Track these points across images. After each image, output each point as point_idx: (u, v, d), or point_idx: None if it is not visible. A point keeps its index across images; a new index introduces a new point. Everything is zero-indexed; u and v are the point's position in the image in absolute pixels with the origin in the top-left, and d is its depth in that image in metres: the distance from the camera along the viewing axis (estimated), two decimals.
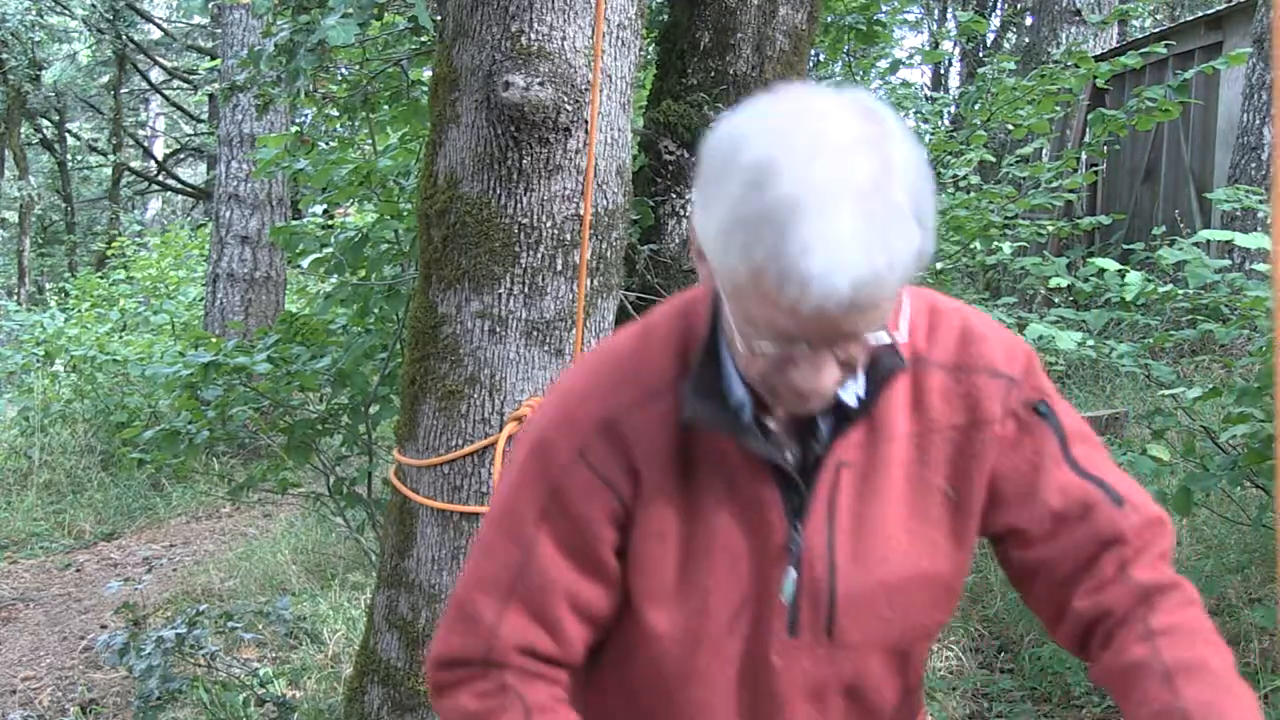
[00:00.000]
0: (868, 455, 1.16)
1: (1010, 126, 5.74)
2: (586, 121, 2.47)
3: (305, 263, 4.54)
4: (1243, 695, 1.07)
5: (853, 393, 1.13)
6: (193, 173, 22.43)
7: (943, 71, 16.83)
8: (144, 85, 20.71)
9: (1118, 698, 1.13)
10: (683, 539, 1.16)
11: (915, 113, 7.82)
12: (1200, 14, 9.81)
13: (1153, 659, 1.09)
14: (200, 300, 10.95)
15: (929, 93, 14.04)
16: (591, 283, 2.54)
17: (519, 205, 2.47)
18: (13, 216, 19.35)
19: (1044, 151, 7.87)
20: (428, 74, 4.02)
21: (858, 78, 5.60)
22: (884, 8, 5.28)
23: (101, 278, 13.84)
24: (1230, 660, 1.11)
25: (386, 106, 4.24)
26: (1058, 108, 5.51)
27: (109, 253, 15.20)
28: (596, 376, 1.20)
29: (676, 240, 3.16)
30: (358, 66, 4.29)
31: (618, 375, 1.18)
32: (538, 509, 1.17)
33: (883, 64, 6.75)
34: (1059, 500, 1.17)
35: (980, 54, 13.17)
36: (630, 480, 1.15)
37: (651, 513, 1.15)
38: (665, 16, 3.53)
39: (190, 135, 21.65)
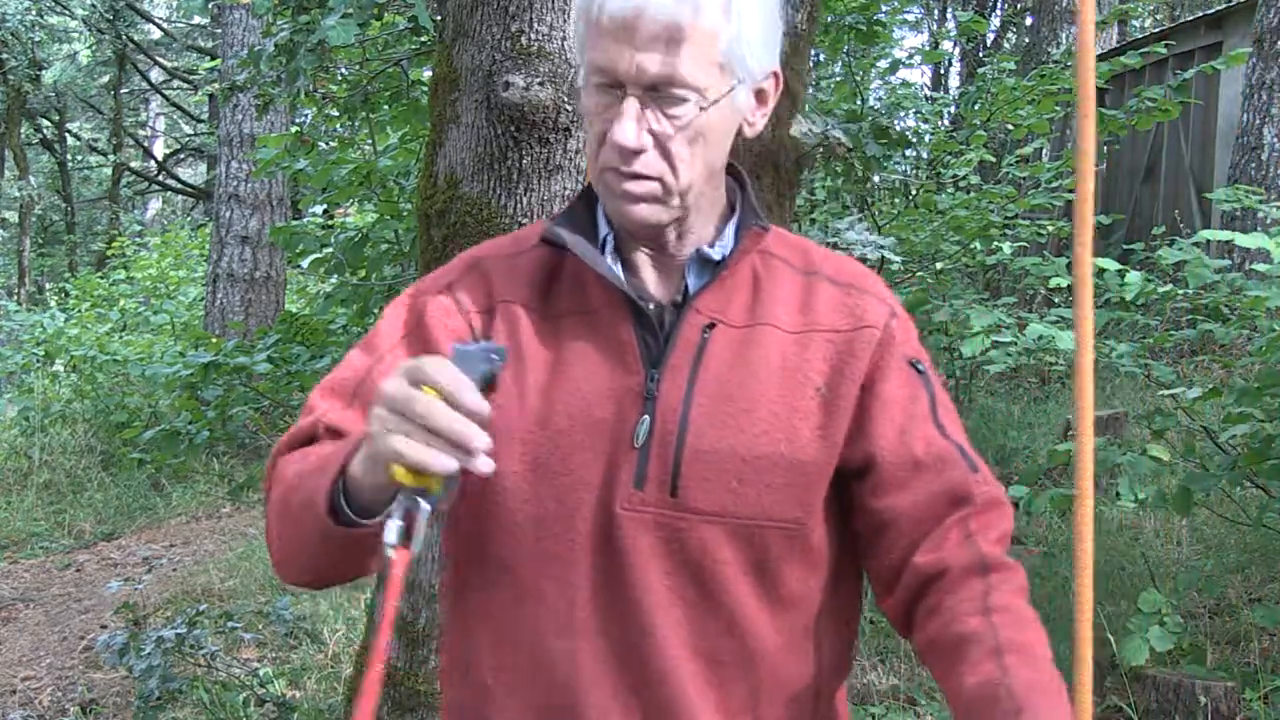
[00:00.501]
0: (746, 336, 1.21)
1: (1010, 126, 5.74)
2: None
3: (305, 263, 4.54)
4: (1062, 686, 1.09)
5: (719, 251, 1.23)
6: (193, 173, 22.43)
7: (943, 71, 16.83)
8: (144, 85, 20.70)
9: (941, 665, 1.13)
10: (539, 376, 1.19)
11: (915, 113, 7.81)
12: (1200, 14, 9.82)
13: (987, 633, 1.11)
14: (200, 300, 10.96)
15: (929, 93, 14.04)
16: None
17: (519, 205, 2.47)
18: (13, 216, 19.36)
19: (1044, 151, 7.87)
20: (428, 74, 4.02)
21: (858, 77, 5.60)
22: (884, 8, 5.27)
23: (101, 278, 13.84)
24: (1050, 655, 1.14)
25: (386, 106, 4.24)
26: (1058, 108, 5.51)
27: (109, 253, 15.21)
28: (485, 242, 1.35)
29: None
30: (358, 66, 4.29)
31: (501, 239, 1.34)
32: (401, 332, 1.25)
33: (883, 64, 6.74)
34: (921, 448, 1.21)
35: (980, 54, 13.17)
36: (485, 316, 1.23)
37: (505, 343, 1.20)
38: None
39: (190, 135, 21.65)
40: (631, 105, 1.13)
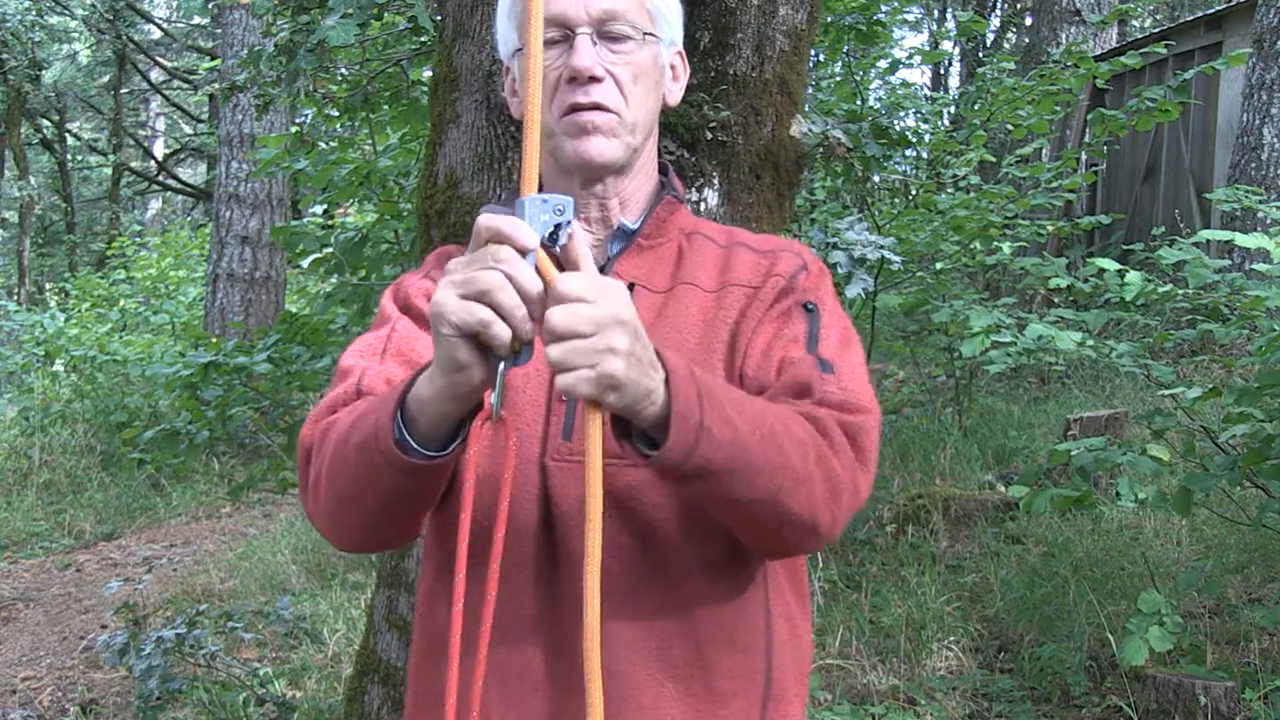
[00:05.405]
0: (668, 297, 1.32)
1: (1010, 126, 5.73)
2: None
3: (305, 263, 4.54)
4: (779, 428, 1.13)
5: (635, 223, 1.34)
6: (193, 173, 22.43)
7: (943, 71, 16.83)
8: (144, 85, 20.70)
9: None
10: None
11: (915, 113, 7.81)
12: (1200, 14, 9.81)
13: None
14: (200, 300, 10.96)
15: (929, 93, 14.04)
16: None
17: None
18: (13, 216, 19.36)
19: (1044, 151, 7.86)
20: (428, 74, 4.02)
21: (858, 77, 5.59)
22: (884, 8, 5.27)
23: (102, 278, 13.85)
24: (788, 425, 1.16)
25: (386, 106, 4.24)
26: (1058, 108, 5.51)
27: (109, 253, 15.21)
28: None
29: None
30: (358, 66, 4.29)
31: None
32: (399, 307, 1.38)
33: (883, 64, 6.74)
34: (779, 361, 1.27)
35: (980, 54, 13.17)
36: None
37: None
38: None
39: (190, 135, 21.65)
40: (584, 40, 1.26)
